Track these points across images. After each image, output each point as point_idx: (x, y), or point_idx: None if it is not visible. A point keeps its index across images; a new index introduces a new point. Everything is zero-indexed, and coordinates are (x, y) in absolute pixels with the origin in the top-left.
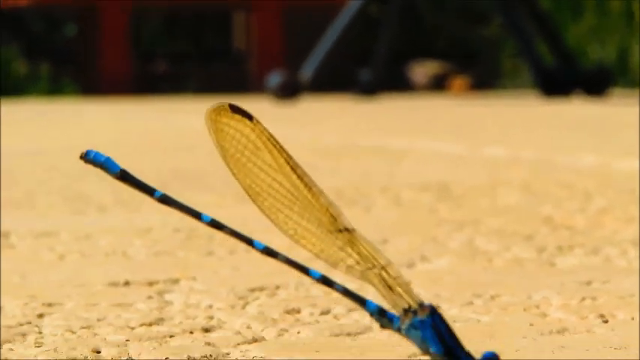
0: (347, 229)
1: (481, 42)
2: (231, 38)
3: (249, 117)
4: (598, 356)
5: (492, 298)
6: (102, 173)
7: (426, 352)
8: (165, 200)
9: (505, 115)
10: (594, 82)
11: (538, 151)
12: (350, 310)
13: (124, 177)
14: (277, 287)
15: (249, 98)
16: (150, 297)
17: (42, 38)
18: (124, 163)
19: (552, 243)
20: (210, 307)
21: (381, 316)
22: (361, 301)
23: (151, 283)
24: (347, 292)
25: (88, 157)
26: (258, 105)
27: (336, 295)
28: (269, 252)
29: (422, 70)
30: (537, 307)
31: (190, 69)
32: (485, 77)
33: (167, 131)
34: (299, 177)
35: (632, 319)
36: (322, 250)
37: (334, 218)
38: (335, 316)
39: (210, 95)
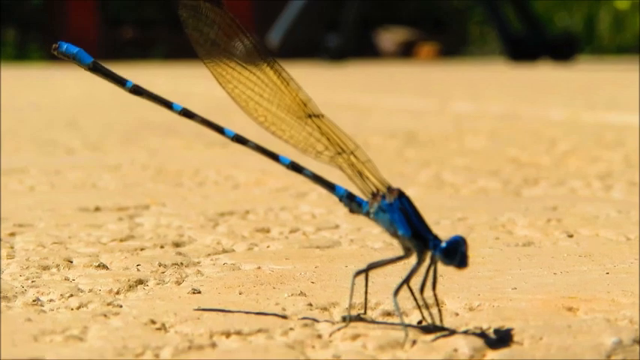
0: (316, 115)
1: (449, 9)
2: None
3: (218, 4)
4: (564, 263)
5: (459, 219)
6: (69, 122)
7: (394, 234)
8: (137, 90)
9: (473, 78)
10: (561, 49)
11: (505, 105)
12: (319, 229)
13: (96, 68)
14: (247, 212)
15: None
16: (120, 219)
17: (8, 4)
18: (91, 117)
19: (518, 177)
20: (181, 227)
21: (350, 200)
22: (330, 187)
23: (121, 209)
24: (316, 178)
25: (60, 50)
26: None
27: (305, 217)
28: (239, 139)
29: (390, 37)
30: (503, 226)
31: (158, 35)
32: (453, 44)
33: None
34: (268, 64)
35: (597, 235)
36: (292, 136)
37: (304, 104)
38: (304, 233)
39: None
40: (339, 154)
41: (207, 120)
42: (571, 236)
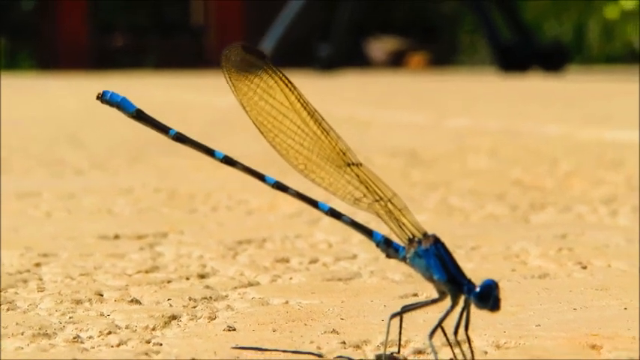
0: (355, 164)
1: (439, 18)
2: (189, 12)
3: (262, 56)
4: (582, 297)
5: (472, 249)
6: (72, 138)
7: (430, 279)
8: (180, 138)
9: (465, 89)
10: (551, 59)
11: (502, 121)
12: (337, 259)
13: (140, 116)
14: (264, 240)
15: (208, 72)
16: (141, 248)
17: None
18: (94, 132)
19: (525, 202)
20: (202, 257)
21: (387, 246)
22: (368, 232)
23: (140, 237)
24: (354, 224)
25: (104, 98)
26: (217, 80)
27: (322, 246)
28: (280, 186)
29: (380, 46)
30: (517, 256)
31: (148, 43)
32: (444, 53)
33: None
34: (309, 113)
35: (609, 266)
36: (331, 183)
37: (343, 153)
38: (324, 264)
39: (169, 69)
40: (377, 201)
41: (249, 167)
42: (585, 268)
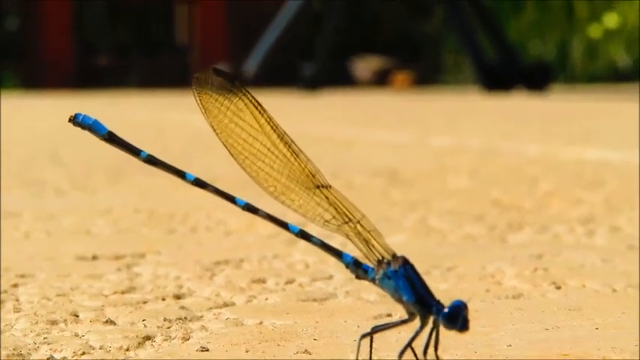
0: (324, 186)
1: (423, 37)
2: (174, 31)
3: (233, 79)
4: (554, 318)
5: (449, 269)
6: (52, 157)
7: (399, 300)
8: (152, 161)
9: (448, 108)
10: (535, 78)
11: (483, 140)
12: (314, 280)
13: (111, 138)
14: (241, 260)
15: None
16: (119, 269)
17: None
18: (74, 150)
19: (503, 222)
20: (179, 277)
21: (357, 267)
22: (337, 254)
23: (118, 257)
24: (324, 246)
25: (76, 120)
26: None
27: (299, 266)
28: (250, 209)
29: (364, 66)
30: (492, 276)
31: (133, 62)
32: (428, 73)
33: (113, 123)
34: (279, 136)
35: (584, 286)
36: (300, 205)
37: (312, 175)
38: (300, 285)
39: (153, 88)
40: (346, 223)
41: (220, 190)
42: (559, 288)
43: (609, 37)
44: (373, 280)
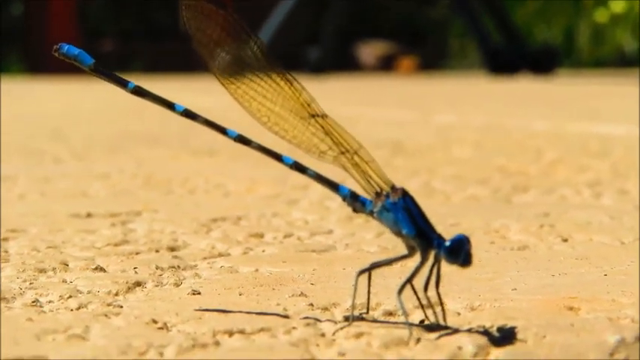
0: (320, 115)
1: (428, 22)
2: (179, 16)
3: (222, 5)
4: (561, 266)
5: (452, 225)
6: (54, 133)
7: (398, 233)
8: (139, 92)
9: (453, 91)
10: (541, 61)
11: (487, 117)
12: (313, 234)
13: (97, 69)
14: (239, 218)
15: (198, 77)
16: (113, 224)
17: None
18: (75, 128)
19: (507, 185)
20: (174, 232)
21: (354, 200)
22: (333, 186)
23: (113, 215)
24: (319, 178)
25: (61, 51)
26: (208, 84)
27: (298, 223)
28: (242, 140)
29: (369, 51)
30: (497, 231)
31: (137, 47)
32: (433, 58)
33: (117, 104)
34: (271, 65)
35: (591, 239)
36: (295, 136)
37: (307, 104)
38: (299, 238)
39: (157, 73)
40: (343, 153)
41: (210, 121)
42: (565, 240)
43: (615, 22)
44: (371, 213)
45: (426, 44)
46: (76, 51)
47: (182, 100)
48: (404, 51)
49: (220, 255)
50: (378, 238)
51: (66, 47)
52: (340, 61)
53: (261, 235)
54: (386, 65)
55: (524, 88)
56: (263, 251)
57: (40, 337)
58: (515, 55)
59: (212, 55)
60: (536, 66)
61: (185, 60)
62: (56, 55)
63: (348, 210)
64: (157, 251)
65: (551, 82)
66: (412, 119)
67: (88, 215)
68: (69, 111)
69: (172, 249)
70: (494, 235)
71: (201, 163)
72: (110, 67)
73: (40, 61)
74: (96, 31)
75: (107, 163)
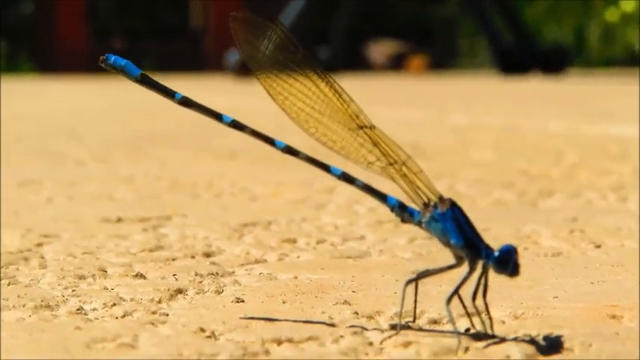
0: (368, 126)
1: (438, 22)
2: (188, 15)
3: (270, 17)
4: (598, 273)
5: (482, 230)
6: (71, 134)
7: (446, 244)
8: (186, 102)
9: (465, 90)
10: (552, 61)
11: (502, 118)
12: (345, 240)
13: (144, 80)
14: (269, 223)
15: (207, 76)
16: (145, 229)
17: None
18: (92, 129)
19: (532, 189)
20: (207, 237)
21: (402, 210)
22: (382, 197)
23: (143, 220)
24: (367, 188)
25: (108, 62)
26: (217, 83)
27: (328, 228)
28: (290, 151)
29: (380, 50)
30: (528, 237)
31: (146, 46)
32: (443, 57)
33: (128, 104)
34: (320, 76)
35: (622, 245)
36: (343, 147)
37: (355, 116)
38: (332, 244)
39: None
40: (391, 164)
41: (258, 131)
42: (598, 247)
43: (626, 22)
44: (419, 224)
45: (435, 43)
46: (122, 62)
47: (199, 98)
48: (414, 50)
49: (257, 261)
50: (411, 244)
51: (113, 58)
52: (350, 60)
53: (294, 241)
54: (396, 64)
55: (535, 87)
56: (298, 257)
57: (90, 345)
58: (525, 54)
59: (260, 67)
60: (547, 65)
61: (193, 59)
62: (103, 65)
63: (377, 215)
64: (193, 257)
65: (561, 81)
66: (427, 119)
67: (119, 220)
68: (81, 110)
69: (208, 255)
70: (527, 240)
71: (223, 166)
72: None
73: (50, 60)
74: (105, 30)
75: (130, 166)
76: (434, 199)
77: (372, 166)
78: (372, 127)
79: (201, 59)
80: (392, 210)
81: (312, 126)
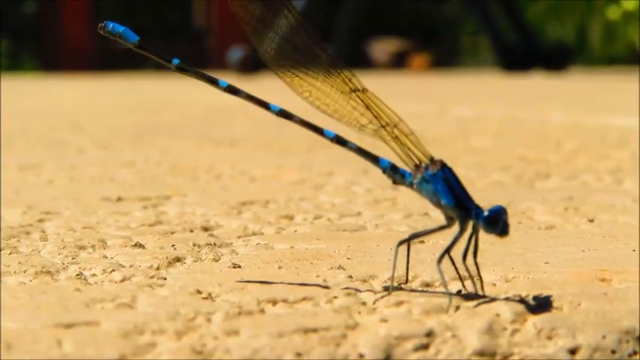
0: (360, 89)
1: (441, 20)
2: (191, 14)
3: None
4: (589, 243)
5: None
6: (74, 125)
7: (437, 204)
8: (183, 68)
9: (468, 86)
10: (555, 59)
11: (504, 110)
12: (342, 216)
13: (142, 46)
14: (267, 202)
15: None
16: (145, 207)
17: (1, 14)
18: (95, 121)
19: (530, 172)
20: (205, 214)
21: (394, 172)
22: (374, 159)
23: (143, 199)
24: (360, 151)
25: (106, 29)
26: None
27: (326, 206)
28: (284, 114)
29: (382, 48)
30: (523, 213)
31: (150, 44)
32: (445, 55)
33: (134, 99)
34: (313, 40)
35: (616, 220)
36: (336, 110)
37: (348, 79)
38: (329, 219)
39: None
40: (383, 127)
41: (253, 96)
42: (591, 221)
43: (627, 20)
44: (411, 185)
45: (438, 41)
46: (121, 28)
47: (199, 97)
48: (416, 48)
49: (254, 234)
50: (407, 219)
51: (111, 25)
52: (353, 58)
53: (292, 217)
54: (398, 62)
55: (538, 84)
56: (295, 231)
57: (90, 305)
58: (528, 52)
59: (256, 33)
60: (549, 63)
61: (196, 57)
62: (102, 32)
63: (375, 194)
64: (192, 231)
65: (564, 78)
66: (430, 112)
67: (119, 199)
68: (86, 106)
69: (206, 229)
70: (521, 216)
71: (224, 153)
72: (125, 65)
73: (53, 59)
74: None
75: (131, 152)
76: (425, 160)
77: (365, 128)
78: (364, 91)
79: (204, 57)
80: (384, 172)
81: (305, 90)
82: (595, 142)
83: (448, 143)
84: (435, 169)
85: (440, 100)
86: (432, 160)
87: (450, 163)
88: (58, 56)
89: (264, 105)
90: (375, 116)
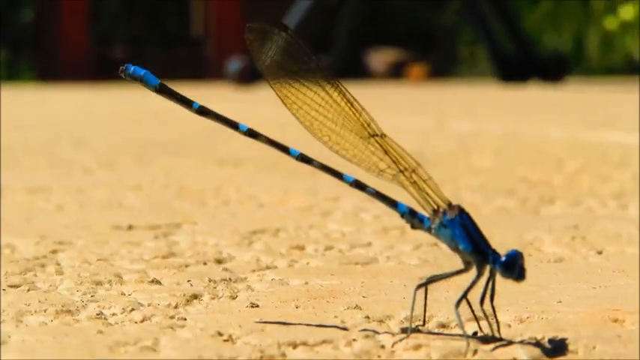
0: (379, 135)
1: (438, 30)
2: (189, 23)
3: (284, 28)
4: (600, 278)
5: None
6: (77, 141)
7: (455, 249)
8: (203, 111)
9: (466, 97)
10: (552, 69)
11: (503, 124)
12: (353, 247)
13: (162, 89)
14: (277, 230)
15: (208, 83)
16: (156, 237)
17: None
18: (97, 136)
19: (534, 196)
20: (217, 244)
21: (412, 217)
22: (392, 203)
23: (153, 227)
24: (379, 195)
25: (127, 72)
26: (217, 91)
27: (335, 235)
28: (304, 159)
29: (379, 58)
30: (531, 244)
31: (148, 53)
32: (443, 65)
33: (134, 109)
34: (332, 85)
35: (623, 251)
36: (355, 155)
37: (367, 124)
38: (340, 251)
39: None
40: (401, 172)
41: (273, 140)
42: (600, 253)
43: (625, 30)
44: (429, 230)
45: (436, 52)
46: (142, 72)
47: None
48: (414, 58)
49: (268, 267)
50: (417, 251)
51: (132, 68)
52: (350, 68)
53: (302, 248)
54: (396, 72)
55: (535, 95)
56: (307, 264)
57: (113, 348)
58: (525, 63)
59: (274, 77)
60: (547, 74)
61: (194, 66)
62: (122, 75)
63: (383, 222)
64: (205, 264)
65: (561, 89)
66: (429, 127)
67: (130, 227)
68: (85, 118)
69: (219, 261)
70: (530, 247)
71: (228, 173)
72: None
73: (51, 68)
74: (107, 38)
75: (137, 174)
76: (443, 205)
77: (383, 173)
78: (382, 136)
79: (202, 67)
80: (402, 216)
81: (324, 134)
82: (596, 161)
83: (450, 163)
84: (453, 215)
85: (438, 111)
86: (449, 205)
87: (453, 186)
88: (56, 65)
89: (284, 149)
90: (394, 161)
